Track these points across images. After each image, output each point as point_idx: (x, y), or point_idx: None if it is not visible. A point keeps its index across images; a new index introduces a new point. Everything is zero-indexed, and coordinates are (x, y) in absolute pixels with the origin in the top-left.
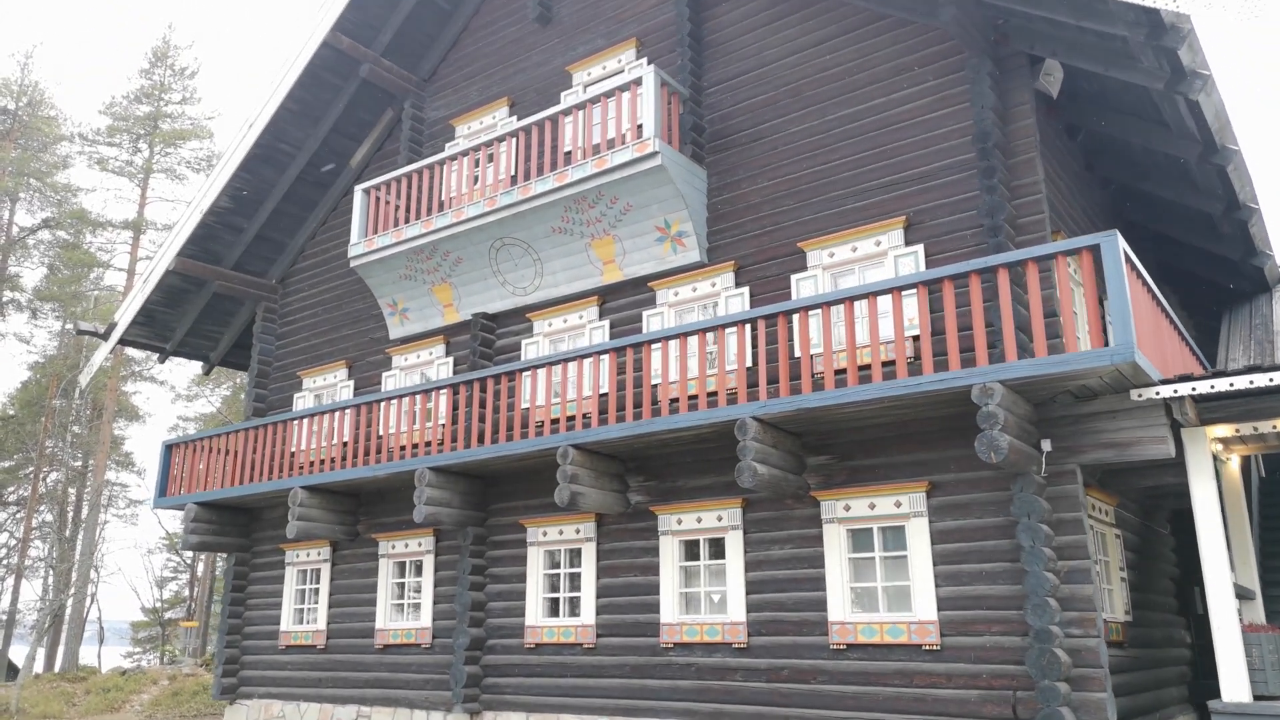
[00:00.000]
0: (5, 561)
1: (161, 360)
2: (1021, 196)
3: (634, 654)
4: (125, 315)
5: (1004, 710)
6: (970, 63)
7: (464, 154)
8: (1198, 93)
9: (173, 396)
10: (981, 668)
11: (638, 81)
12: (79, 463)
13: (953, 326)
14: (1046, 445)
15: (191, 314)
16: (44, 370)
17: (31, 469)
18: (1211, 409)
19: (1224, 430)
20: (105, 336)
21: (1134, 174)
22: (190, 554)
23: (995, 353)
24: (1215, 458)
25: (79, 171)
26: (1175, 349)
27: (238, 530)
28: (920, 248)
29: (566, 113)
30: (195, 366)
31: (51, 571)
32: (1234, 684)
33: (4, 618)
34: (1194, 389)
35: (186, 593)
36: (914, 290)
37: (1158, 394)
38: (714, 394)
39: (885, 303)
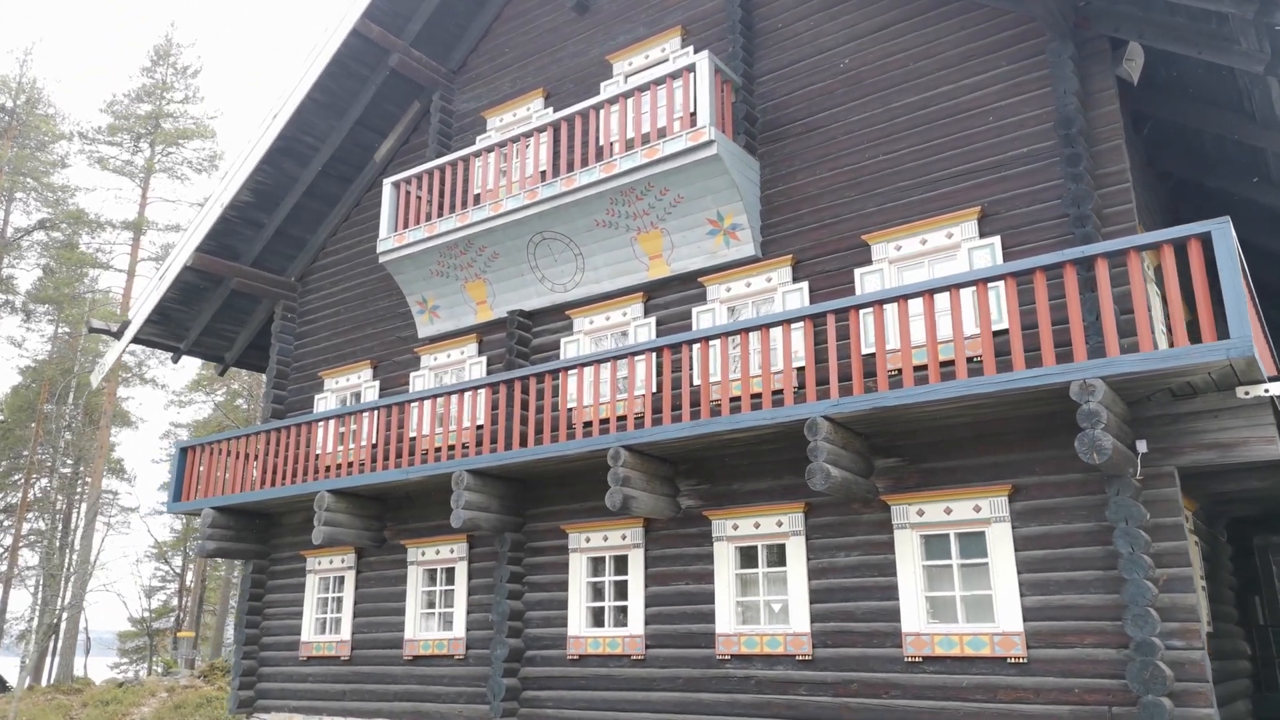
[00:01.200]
0: None
1: (175, 360)
2: (1106, 186)
3: (687, 666)
4: (140, 312)
5: None
6: (1051, 47)
7: (500, 145)
8: None
9: (165, 401)
10: (1073, 681)
11: (690, 68)
12: (69, 469)
13: (1046, 320)
14: (1143, 446)
15: (208, 312)
16: (36, 374)
17: (20, 475)
18: None
19: None
20: (118, 335)
21: (1200, 168)
22: (180, 563)
23: (1090, 348)
24: None
25: (78, 171)
26: (1262, 347)
27: (255, 536)
28: (997, 239)
29: (612, 101)
30: (190, 371)
31: (50, 581)
32: None
33: None
34: None
35: (175, 602)
36: (999, 282)
37: (1266, 391)
38: (775, 393)
39: (964, 296)
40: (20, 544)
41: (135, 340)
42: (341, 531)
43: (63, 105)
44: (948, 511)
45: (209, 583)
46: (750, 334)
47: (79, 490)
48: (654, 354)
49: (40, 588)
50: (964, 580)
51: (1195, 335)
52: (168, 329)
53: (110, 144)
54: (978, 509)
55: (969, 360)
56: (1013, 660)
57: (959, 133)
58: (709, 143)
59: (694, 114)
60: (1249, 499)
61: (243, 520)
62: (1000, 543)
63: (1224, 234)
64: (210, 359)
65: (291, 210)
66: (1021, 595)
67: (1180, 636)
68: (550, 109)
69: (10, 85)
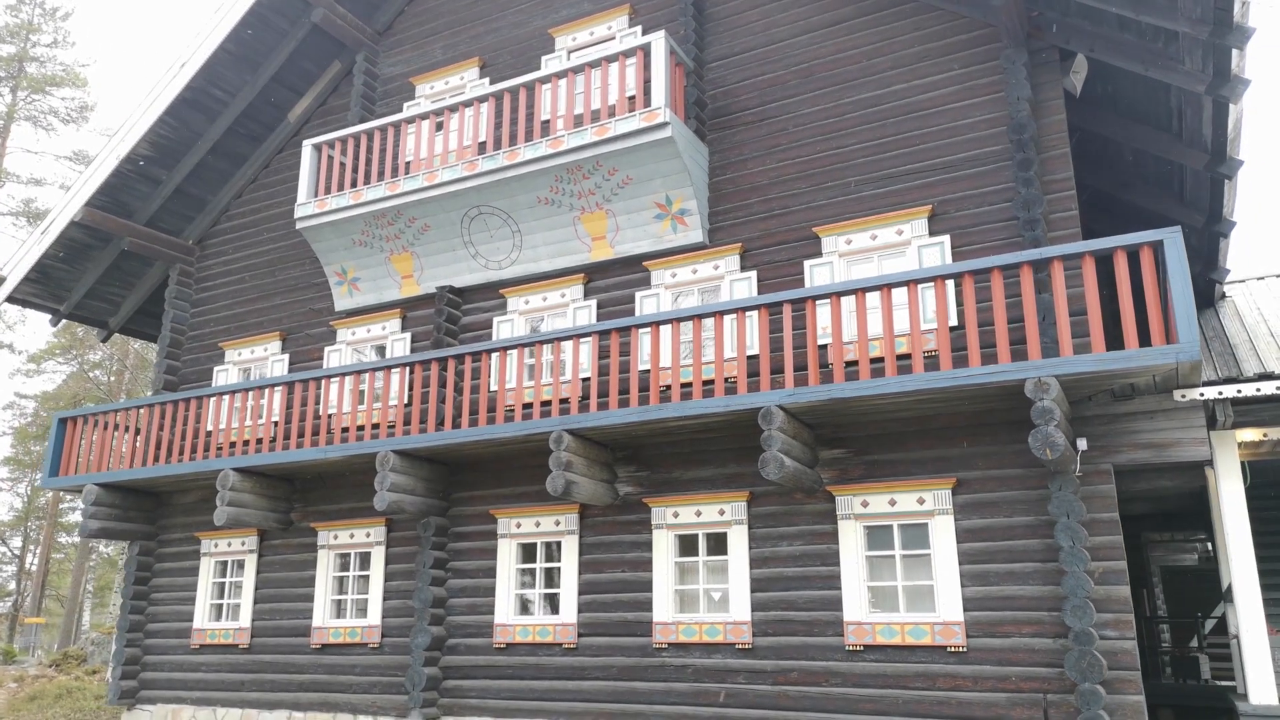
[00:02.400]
0: None
1: (54, 323)
2: (1052, 192)
3: (622, 654)
4: (18, 269)
5: (1035, 713)
6: (1005, 54)
7: (435, 113)
8: (1239, 98)
9: (11, 369)
10: (1010, 670)
11: (645, 48)
12: None
13: (1002, 318)
14: (1083, 444)
15: (94, 273)
16: None
17: None
18: (1242, 413)
19: (1251, 434)
20: None
21: (1117, 181)
22: (20, 544)
23: (1041, 346)
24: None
25: None
26: None
27: (143, 516)
28: (946, 238)
29: (560, 75)
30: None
31: None
32: (1261, 688)
33: None
34: (1239, 391)
35: (14, 586)
36: (948, 280)
37: (1201, 395)
38: (727, 379)
39: (901, 294)
40: None
41: (10, 299)
42: (245, 513)
43: None
44: (892, 503)
45: (51, 565)
46: (704, 320)
47: None
48: (599, 336)
49: None
50: (906, 571)
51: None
52: (48, 289)
53: None
54: (922, 501)
55: (925, 355)
56: (952, 649)
57: (910, 131)
58: (663, 124)
59: (647, 95)
60: (1147, 498)
61: (129, 498)
62: (943, 534)
63: (1175, 242)
64: (93, 324)
65: (194, 168)
66: (962, 586)
67: (1114, 627)
68: (486, 80)
69: None
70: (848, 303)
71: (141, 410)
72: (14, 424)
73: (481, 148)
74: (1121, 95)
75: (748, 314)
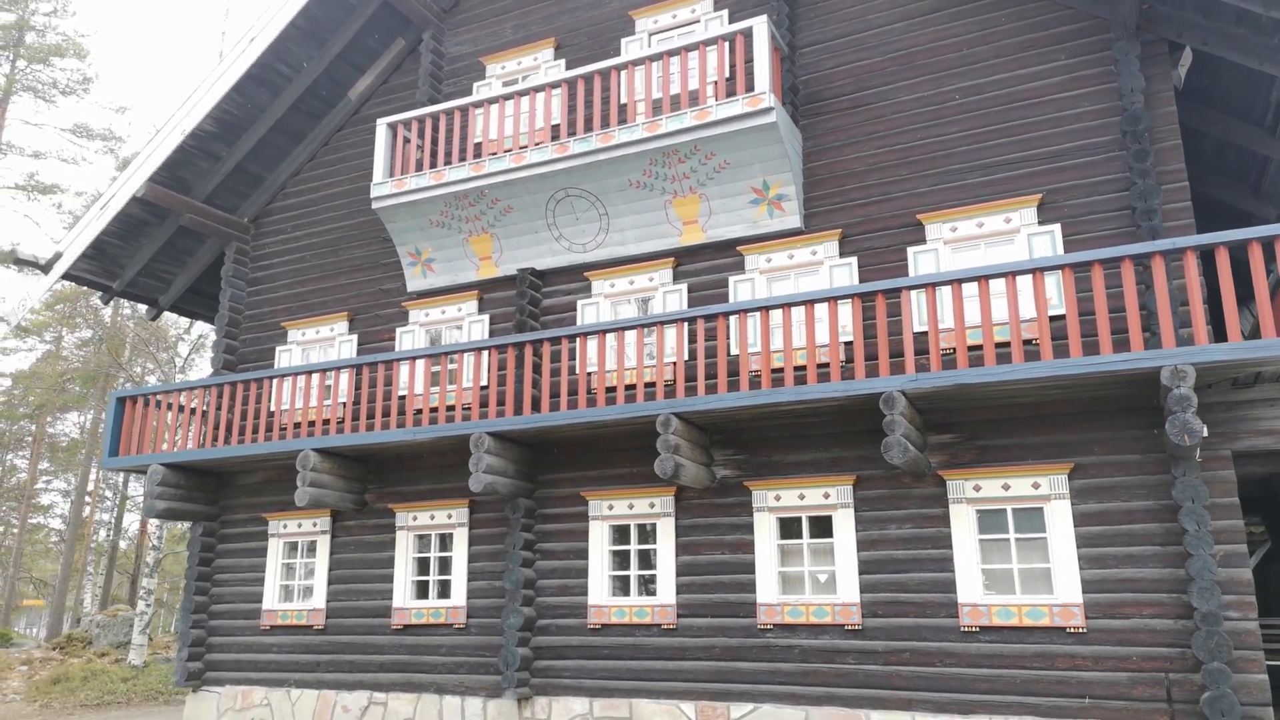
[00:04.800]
0: None
1: (105, 301)
2: (1166, 184)
3: (724, 635)
4: (75, 245)
5: (1157, 692)
6: (1117, 46)
7: (520, 94)
8: None
9: None
10: (1131, 650)
11: (745, 32)
12: None
13: (1134, 306)
14: (1204, 430)
15: (148, 250)
16: None
17: None
18: None
19: None
20: (46, 269)
21: (1190, 174)
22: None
23: (1148, 338)
24: None
25: None
26: None
27: (205, 497)
28: (1057, 227)
29: (656, 58)
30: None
31: None
32: None
33: None
34: None
35: None
36: (1059, 270)
37: None
38: (820, 366)
39: (1027, 280)
40: None
41: (65, 276)
42: (324, 493)
43: None
44: (1005, 488)
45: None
46: (816, 305)
47: None
48: (705, 320)
49: None
50: (1020, 553)
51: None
52: (102, 265)
53: None
54: (1037, 485)
55: (1025, 343)
56: (1072, 630)
57: (1015, 120)
58: (767, 109)
59: (748, 79)
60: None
61: (193, 479)
62: (1059, 518)
63: None
64: (143, 301)
65: (255, 145)
66: (1080, 568)
67: (1236, 608)
68: (562, 61)
69: None
70: (948, 290)
71: (202, 390)
72: None
73: (555, 130)
74: (1217, 88)
75: (842, 301)
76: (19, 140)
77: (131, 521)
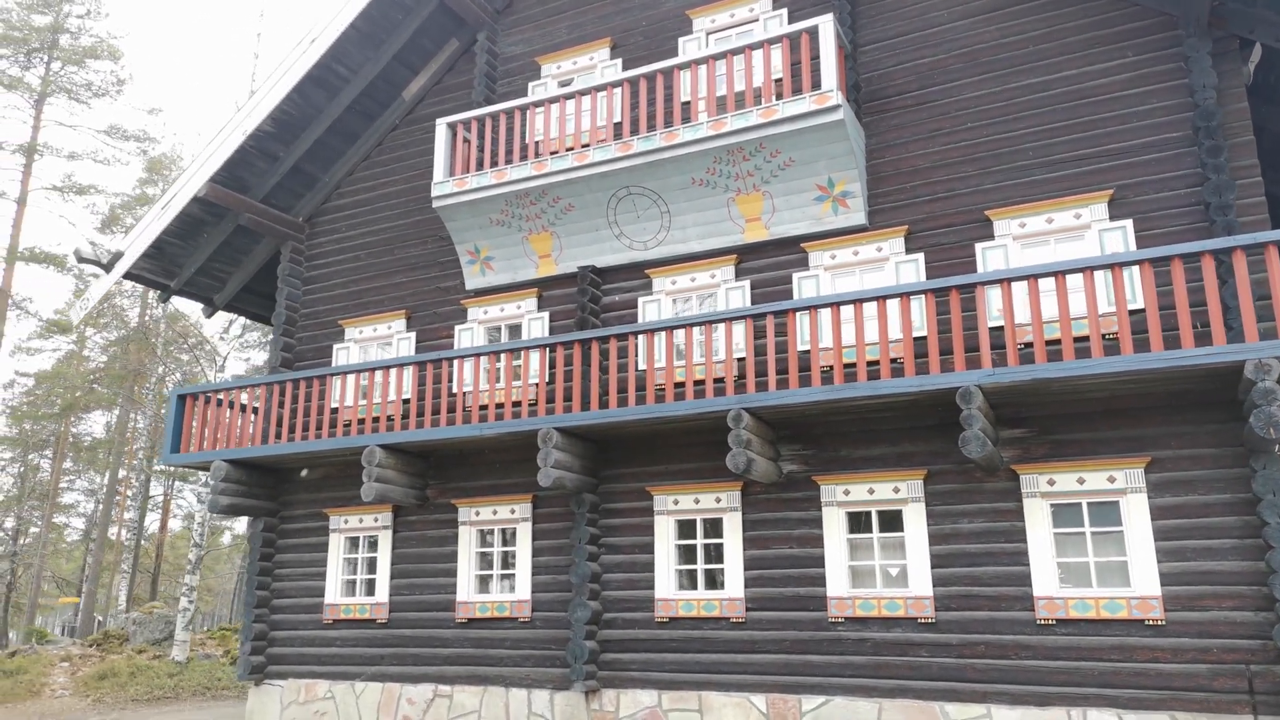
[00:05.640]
0: None
1: (163, 300)
2: (1239, 179)
3: (794, 629)
4: (137, 244)
5: (1238, 684)
6: (1189, 42)
7: (581, 93)
8: None
9: (10, 347)
10: (1211, 642)
11: (810, 31)
12: None
13: (1215, 300)
14: None
15: (206, 249)
16: None
17: None
18: None
19: None
20: (108, 267)
21: (1268, 178)
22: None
23: (1234, 333)
24: None
25: None
26: None
27: (265, 493)
28: (1129, 223)
29: (719, 56)
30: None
31: None
32: None
33: None
34: None
35: (6, 567)
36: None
37: None
38: (892, 362)
39: (1103, 276)
40: None
41: (126, 275)
42: (389, 489)
43: None
44: (1080, 481)
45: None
46: (889, 301)
47: None
48: (795, 314)
49: None
50: (1096, 547)
51: None
52: (160, 265)
53: None
54: (1112, 480)
55: (1101, 337)
56: (1150, 622)
57: (1084, 116)
58: (834, 106)
59: (814, 77)
60: None
61: (253, 475)
62: (1136, 512)
63: None
64: (199, 300)
65: (311, 145)
66: (1158, 561)
67: None
68: (619, 60)
69: None
70: (1023, 285)
71: (264, 387)
72: (11, 403)
73: (617, 129)
74: None
75: (914, 296)
76: (55, 141)
77: (152, 521)
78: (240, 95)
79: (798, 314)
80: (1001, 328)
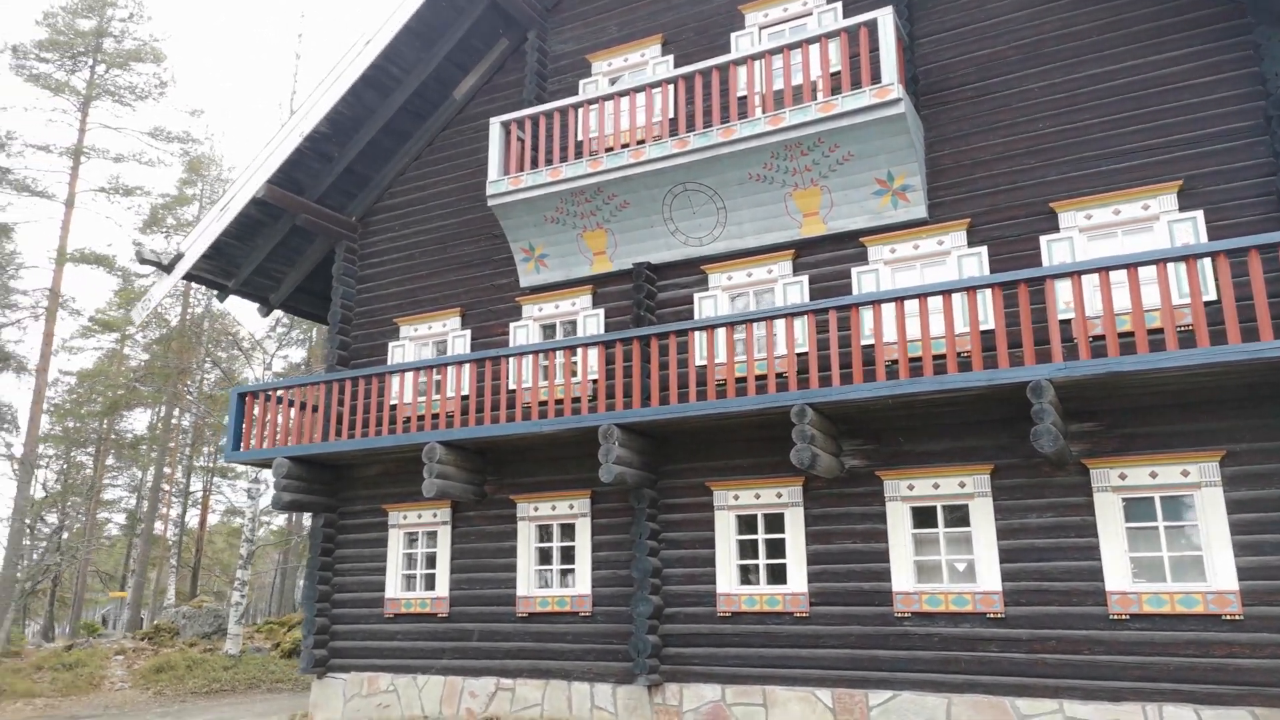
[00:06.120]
0: None
1: (221, 299)
2: None
3: (858, 623)
4: (197, 245)
5: None
6: (1259, 30)
7: (635, 90)
8: None
9: (56, 345)
10: None
11: (869, 24)
12: None
13: (1261, 294)
14: None
15: (263, 249)
16: None
17: None
18: None
19: None
20: (169, 269)
21: None
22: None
23: None
24: None
25: (7, 87)
26: None
27: (325, 489)
28: (1199, 214)
29: (776, 51)
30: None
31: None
32: None
33: None
34: None
35: (55, 560)
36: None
37: None
38: (940, 357)
39: (1179, 269)
40: None
41: (186, 276)
42: (449, 485)
43: None
44: (1153, 475)
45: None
46: (954, 295)
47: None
48: (858, 309)
49: None
50: (1169, 541)
51: None
52: (219, 265)
53: (44, 61)
54: (1186, 473)
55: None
56: (1228, 617)
57: (1150, 107)
58: (895, 100)
59: (874, 70)
60: None
61: (313, 471)
62: (1212, 506)
63: None
64: (254, 300)
65: (364, 146)
66: (1235, 555)
67: None
68: (670, 56)
69: None
70: (1093, 279)
71: (324, 384)
72: (55, 401)
73: (673, 125)
74: None
75: (980, 290)
76: (100, 144)
77: (192, 516)
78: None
79: (861, 309)
80: (1070, 321)
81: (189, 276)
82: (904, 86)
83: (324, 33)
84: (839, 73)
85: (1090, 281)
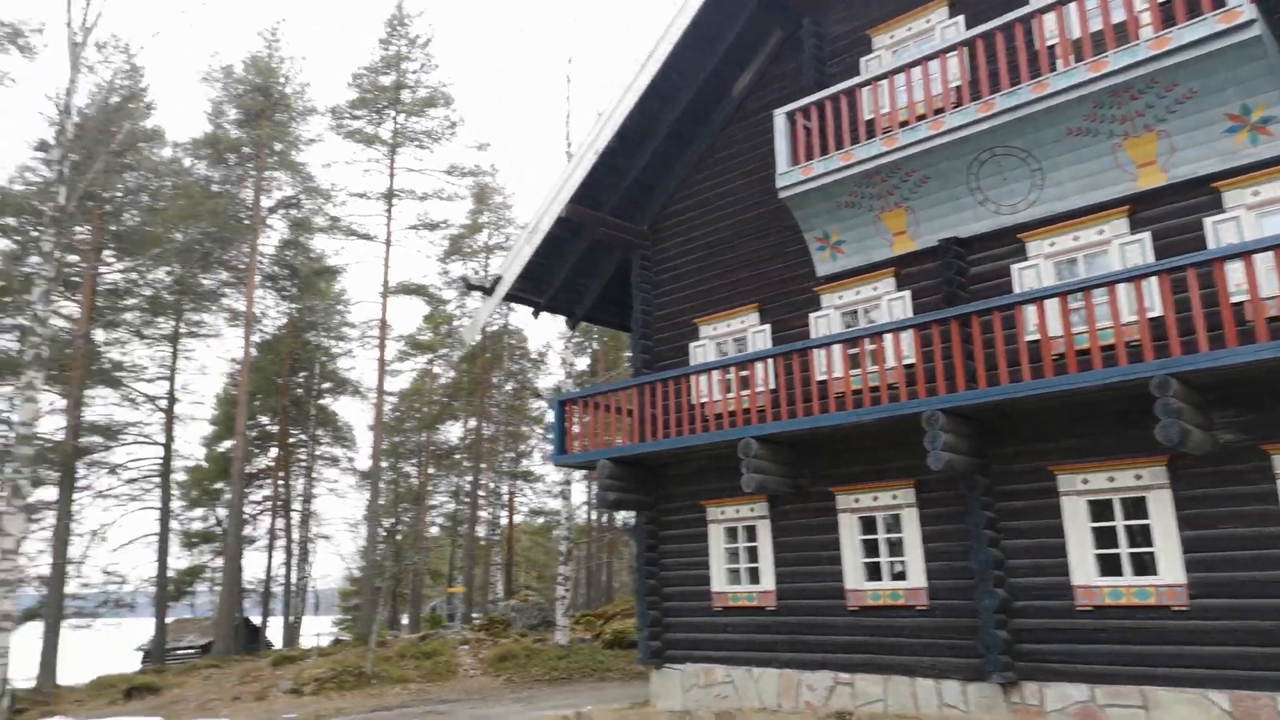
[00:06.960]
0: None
1: (535, 315)
2: None
3: (1251, 617)
4: (513, 268)
5: None
6: None
7: (929, 58)
8: None
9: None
10: None
11: None
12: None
13: None
14: None
15: (566, 265)
16: (274, 350)
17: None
18: None
19: None
20: (490, 291)
21: None
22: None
23: None
24: None
25: (322, 146)
26: None
27: (642, 488)
28: None
29: None
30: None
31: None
32: None
33: (249, 586)
34: None
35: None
36: None
37: None
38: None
39: None
40: (263, 510)
41: (506, 297)
42: (765, 479)
43: (301, 80)
44: None
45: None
46: None
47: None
48: (1226, 263)
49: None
50: None
51: None
52: (531, 284)
53: (355, 118)
54: None
55: None
56: None
57: None
58: (1248, 22)
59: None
60: None
61: (632, 472)
62: None
63: None
64: (561, 313)
65: (649, 155)
66: None
67: None
68: (959, 17)
69: (260, 65)
70: None
71: (637, 389)
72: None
73: (974, 88)
74: None
75: None
76: (407, 185)
77: (501, 517)
78: (557, 122)
79: (1226, 261)
80: None
81: (508, 297)
82: (1254, 4)
83: (592, 62)
84: (1167, 2)
85: None
